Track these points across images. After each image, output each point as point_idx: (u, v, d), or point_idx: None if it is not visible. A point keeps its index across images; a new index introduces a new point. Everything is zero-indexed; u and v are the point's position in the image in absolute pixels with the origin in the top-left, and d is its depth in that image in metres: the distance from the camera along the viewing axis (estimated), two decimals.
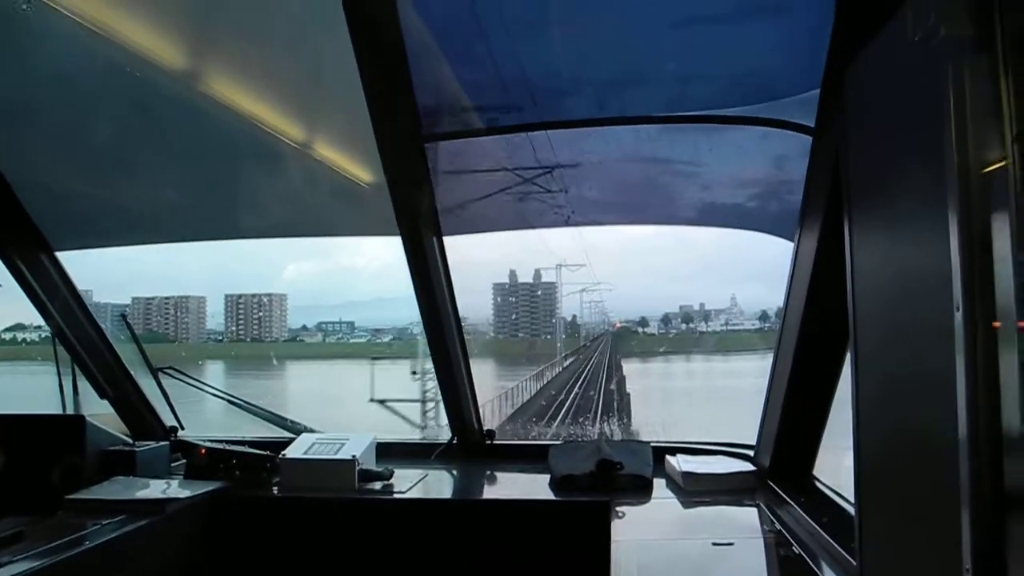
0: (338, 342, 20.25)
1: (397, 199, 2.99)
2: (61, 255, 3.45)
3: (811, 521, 2.33)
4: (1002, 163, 1.17)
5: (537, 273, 20.34)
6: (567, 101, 2.89)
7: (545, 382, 18.27)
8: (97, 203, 3.55)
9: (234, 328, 19.55)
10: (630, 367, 21.58)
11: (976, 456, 1.20)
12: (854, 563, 1.92)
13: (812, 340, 2.55)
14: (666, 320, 21.99)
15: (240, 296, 19.93)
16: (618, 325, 22.98)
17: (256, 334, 19.63)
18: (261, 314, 19.69)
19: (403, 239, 3.07)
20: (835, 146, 2.05)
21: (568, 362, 21.12)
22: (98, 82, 2.89)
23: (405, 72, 2.63)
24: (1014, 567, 1.13)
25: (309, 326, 21.10)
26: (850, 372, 1.92)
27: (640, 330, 22.40)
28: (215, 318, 19.69)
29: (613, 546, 2.31)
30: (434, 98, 2.84)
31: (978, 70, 1.21)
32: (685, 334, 21.63)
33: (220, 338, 19.43)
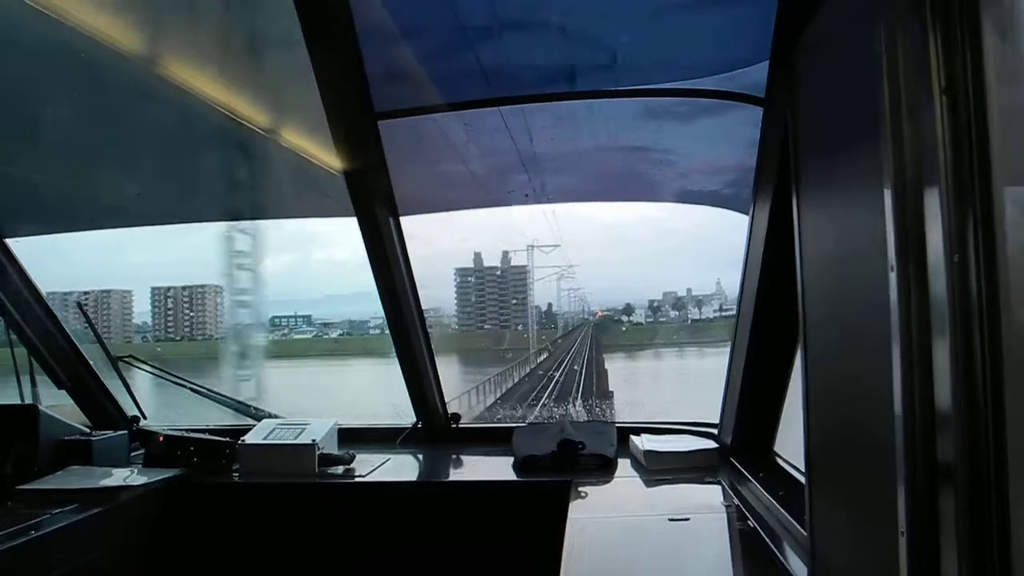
0: (281, 339, 18.14)
1: (351, 179, 2.95)
2: (10, 242, 3.38)
3: (768, 496, 2.32)
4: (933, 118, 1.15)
5: (505, 256, 18.25)
6: (518, 76, 2.85)
7: (506, 388, 15.41)
8: (50, 189, 3.47)
9: (162, 324, 17.17)
10: (616, 366, 18.68)
11: (910, 426, 1.20)
12: (805, 534, 1.91)
13: (768, 314, 2.54)
14: (655, 307, 20.00)
15: (169, 289, 17.56)
16: (599, 314, 21.31)
17: (188, 331, 17.25)
18: (192, 310, 17.39)
19: (359, 220, 3.03)
20: (784, 117, 2.04)
21: (542, 358, 18.67)
22: (51, 65, 2.83)
23: (354, 48, 2.60)
24: (945, 530, 1.13)
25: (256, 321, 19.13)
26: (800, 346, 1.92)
27: (625, 319, 20.34)
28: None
29: (568, 524, 2.29)
30: (388, 75, 2.80)
31: (908, 26, 1.19)
32: (674, 322, 19.51)
33: (145, 336, 17.28)
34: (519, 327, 18.20)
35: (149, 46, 2.76)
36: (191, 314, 17.10)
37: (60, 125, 3.06)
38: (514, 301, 18.06)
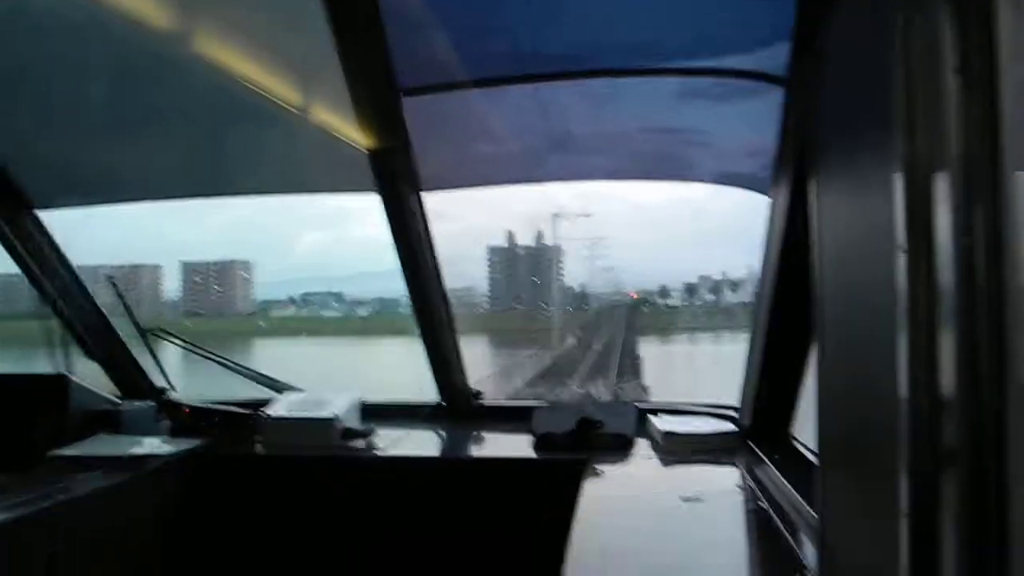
0: (309, 316, 17.54)
1: (374, 156, 2.96)
2: (42, 215, 3.44)
3: (783, 479, 2.32)
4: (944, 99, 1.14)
5: (540, 236, 16.83)
6: (545, 54, 2.84)
7: (534, 373, 14.07)
8: (81, 163, 3.51)
9: (193, 300, 16.60)
10: (650, 350, 17.57)
11: (915, 410, 1.20)
12: (816, 516, 1.91)
13: (787, 298, 2.52)
14: (690, 290, 18.36)
15: (199, 264, 17.19)
16: (634, 295, 19.64)
17: (217, 307, 16.87)
18: (222, 285, 17.00)
19: (382, 197, 3.05)
20: (806, 99, 2.03)
21: (572, 340, 17.48)
22: (82, 41, 2.86)
23: (378, 23, 2.60)
24: (946, 513, 1.14)
25: (284, 298, 18.11)
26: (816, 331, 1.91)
27: (662, 302, 18.85)
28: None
29: (581, 501, 2.31)
30: (413, 51, 2.80)
31: (923, 4, 1.19)
32: (709, 306, 17.83)
33: (173, 312, 16.26)
34: (550, 307, 17.04)
35: (178, 21, 2.78)
36: (220, 290, 16.91)
37: (91, 100, 3.09)
38: (541, 281, 17.11)
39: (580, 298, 18.91)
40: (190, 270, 16.74)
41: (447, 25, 2.78)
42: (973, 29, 1.10)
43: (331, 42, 2.61)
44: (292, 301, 17.84)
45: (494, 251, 17.27)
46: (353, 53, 2.66)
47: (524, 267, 17.28)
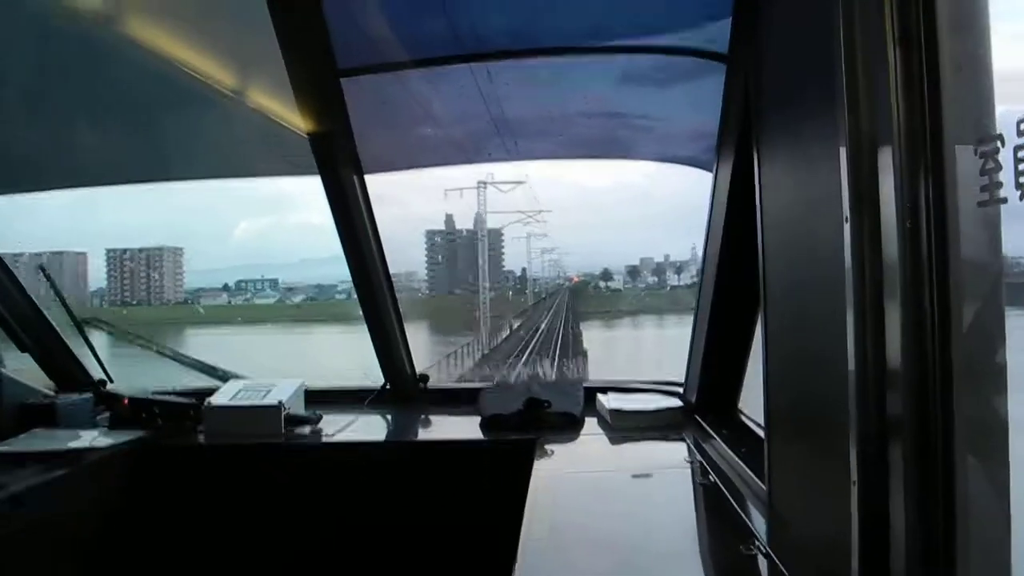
0: (243, 304, 16.90)
1: (315, 138, 2.92)
2: None
3: (731, 451, 2.36)
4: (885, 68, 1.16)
5: (479, 218, 16.15)
6: (485, 33, 2.82)
7: (477, 358, 14.31)
8: (7, 148, 3.40)
9: (118, 289, 15.82)
10: (592, 334, 17.37)
11: (863, 381, 1.22)
12: (764, 487, 1.94)
13: (731, 274, 2.56)
14: (633, 272, 18.06)
15: (125, 251, 16.34)
16: (575, 279, 19.73)
17: (144, 295, 16.16)
18: (151, 272, 16.16)
19: (323, 180, 3.00)
20: (745, 73, 2.04)
21: (516, 324, 17.30)
22: (9, 23, 2.76)
23: (317, 3, 2.56)
24: (894, 480, 1.17)
25: (218, 286, 17.33)
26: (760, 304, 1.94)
27: (603, 284, 18.65)
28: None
29: (532, 480, 2.31)
30: (352, 31, 2.76)
31: None
32: (653, 288, 17.54)
33: (100, 302, 15.62)
34: (490, 291, 16.56)
35: (111, 4, 2.70)
36: (149, 278, 16.23)
37: (17, 84, 3.00)
38: (480, 264, 16.43)
39: (521, 281, 18.79)
40: (117, 257, 15.98)
41: (386, 4, 2.75)
42: (913, 1, 1.12)
43: (268, 23, 2.56)
44: (226, 288, 17.26)
45: (432, 235, 17.07)
46: (292, 34, 2.61)
47: (463, 251, 16.91)
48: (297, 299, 16.81)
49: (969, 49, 1.08)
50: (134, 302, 16.10)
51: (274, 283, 17.52)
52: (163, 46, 2.76)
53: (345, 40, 2.73)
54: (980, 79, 1.05)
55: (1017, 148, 0.91)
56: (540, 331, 17.51)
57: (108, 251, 15.92)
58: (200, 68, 2.92)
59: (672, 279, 17.43)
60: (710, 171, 2.69)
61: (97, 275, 15.27)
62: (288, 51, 2.66)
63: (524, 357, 14.43)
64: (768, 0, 1.82)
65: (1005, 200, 0.95)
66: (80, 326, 3.59)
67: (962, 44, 1.08)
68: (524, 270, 18.82)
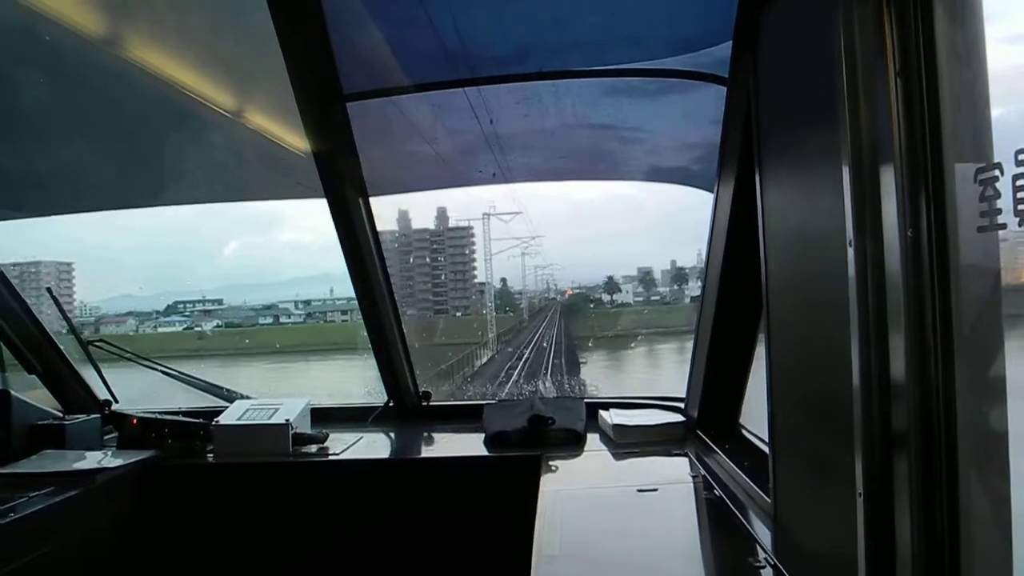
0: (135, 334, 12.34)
1: (320, 160, 2.96)
2: None
3: (734, 466, 2.39)
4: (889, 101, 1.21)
5: (442, 214, 14.27)
6: (489, 57, 2.88)
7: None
8: (6, 173, 3.43)
9: None
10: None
11: (867, 395, 1.27)
12: (769, 500, 1.98)
13: (732, 290, 2.60)
14: (646, 282, 14.61)
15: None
16: (569, 292, 16.85)
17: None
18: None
19: (328, 201, 3.05)
20: (747, 97, 2.09)
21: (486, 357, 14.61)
22: (11, 47, 2.80)
23: (323, 30, 2.61)
24: (899, 492, 1.20)
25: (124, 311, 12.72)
26: (763, 320, 1.98)
27: (608, 297, 15.33)
28: None
29: (540, 496, 2.34)
30: (356, 56, 2.82)
31: (865, 10, 1.25)
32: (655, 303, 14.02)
33: None
34: (458, 314, 14.85)
35: (112, 27, 2.74)
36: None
37: (18, 108, 3.03)
38: (475, 282, 14.78)
39: (516, 297, 17.65)
40: None
41: (389, 31, 2.80)
42: (912, 34, 1.17)
43: (274, 49, 2.61)
44: (131, 314, 13.04)
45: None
46: (299, 58, 2.66)
47: (455, 269, 15.32)
48: (209, 326, 13.21)
49: (967, 79, 1.13)
50: None
51: (220, 301, 13.82)
52: (172, 71, 2.81)
53: (349, 65, 2.78)
54: (978, 108, 1.10)
55: (1016, 177, 0.96)
56: (539, 344, 15.57)
57: None
58: (205, 92, 2.97)
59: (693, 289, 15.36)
60: (701, 185, 2.74)
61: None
62: (295, 76, 2.71)
63: (525, 370, 12.87)
64: (769, 25, 1.87)
65: (1004, 226, 1.00)
66: (86, 348, 3.61)
67: (960, 74, 1.14)
68: (504, 281, 16.44)
